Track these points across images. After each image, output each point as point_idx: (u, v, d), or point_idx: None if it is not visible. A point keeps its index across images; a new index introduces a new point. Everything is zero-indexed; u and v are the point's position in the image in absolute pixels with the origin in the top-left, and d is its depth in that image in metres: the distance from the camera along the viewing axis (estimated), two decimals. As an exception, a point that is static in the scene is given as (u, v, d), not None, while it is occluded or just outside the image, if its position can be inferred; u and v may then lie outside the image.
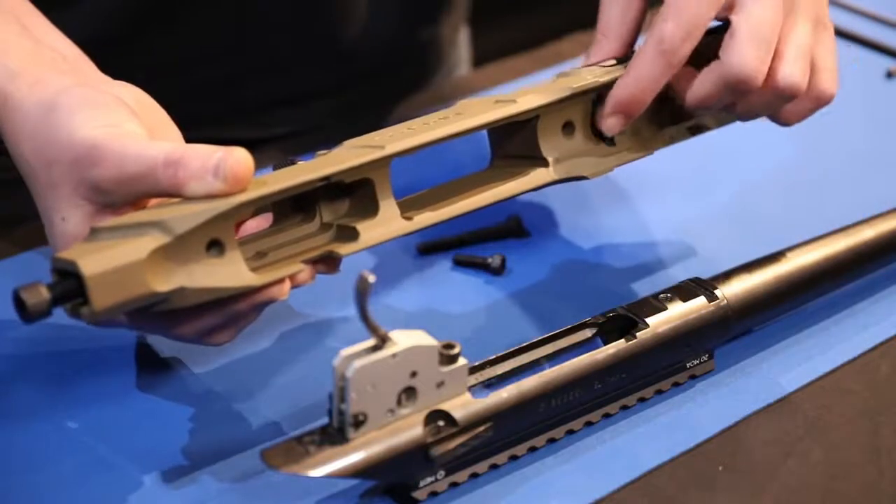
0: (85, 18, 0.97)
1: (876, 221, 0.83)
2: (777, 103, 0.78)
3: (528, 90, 0.76)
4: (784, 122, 0.80)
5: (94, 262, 0.62)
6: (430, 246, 0.86)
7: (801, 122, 0.80)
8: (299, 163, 0.69)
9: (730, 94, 0.75)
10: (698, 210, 0.92)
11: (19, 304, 0.62)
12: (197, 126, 0.97)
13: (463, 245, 0.86)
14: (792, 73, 0.76)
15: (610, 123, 0.76)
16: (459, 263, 0.85)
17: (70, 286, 0.62)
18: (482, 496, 0.68)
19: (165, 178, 0.65)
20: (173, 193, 0.66)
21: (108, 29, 0.98)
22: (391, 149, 0.69)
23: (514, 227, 0.88)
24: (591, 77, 0.77)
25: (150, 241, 0.63)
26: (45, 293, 0.62)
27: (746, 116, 0.79)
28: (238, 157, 0.65)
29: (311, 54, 1.05)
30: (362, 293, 0.62)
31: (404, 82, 1.11)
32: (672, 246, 0.88)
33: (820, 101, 0.79)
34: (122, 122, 0.68)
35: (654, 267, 0.86)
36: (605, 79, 0.76)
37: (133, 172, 0.66)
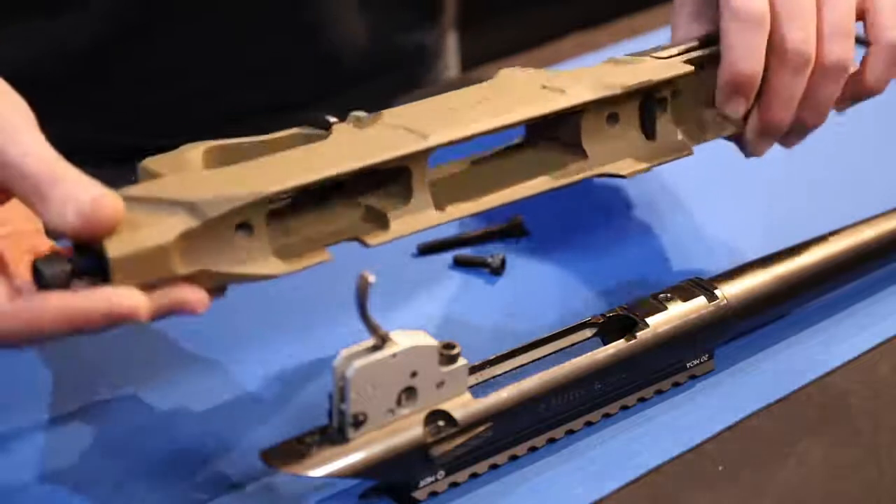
0: (65, 31, 0.98)
1: (876, 221, 0.83)
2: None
3: (576, 74, 0.74)
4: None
5: (119, 242, 0.60)
6: (430, 246, 0.86)
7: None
8: (336, 132, 0.68)
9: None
10: (698, 210, 0.92)
11: (37, 274, 0.60)
12: (178, 134, 0.97)
13: (463, 245, 0.86)
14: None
15: (732, 108, 0.76)
16: (459, 263, 0.85)
17: (91, 262, 0.60)
18: (482, 496, 0.68)
19: (36, 186, 0.60)
20: (28, 203, 0.61)
21: (89, 40, 0.98)
22: (435, 140, 0.67)
23: (514, 227, 0.88)
24: (646, 73, 0.74)
25: (178, 223, 0.61)
26: (65, 266, 0.60)
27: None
28: (103, 200, 0.60)
29: (292, 63, 1.05)
30: (362, 293, 0.62)
31: (388, 89, 1.11)
32: (672, 246, 0.88)
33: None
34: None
35: (654, 267, 0.86)
36: (662, 77, 0.74)
37: (13, 158, 0.60)
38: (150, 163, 0.66)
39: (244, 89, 1.05)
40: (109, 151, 1.00)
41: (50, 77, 0.98)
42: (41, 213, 0.60)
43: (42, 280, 0.60)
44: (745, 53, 0.75)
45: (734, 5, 0.74)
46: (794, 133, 0.80)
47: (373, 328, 0.64)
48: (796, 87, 0.76)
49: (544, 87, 0.73)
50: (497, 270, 0.84)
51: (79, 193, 0.59)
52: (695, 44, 0.78)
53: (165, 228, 0.61)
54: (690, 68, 0.75)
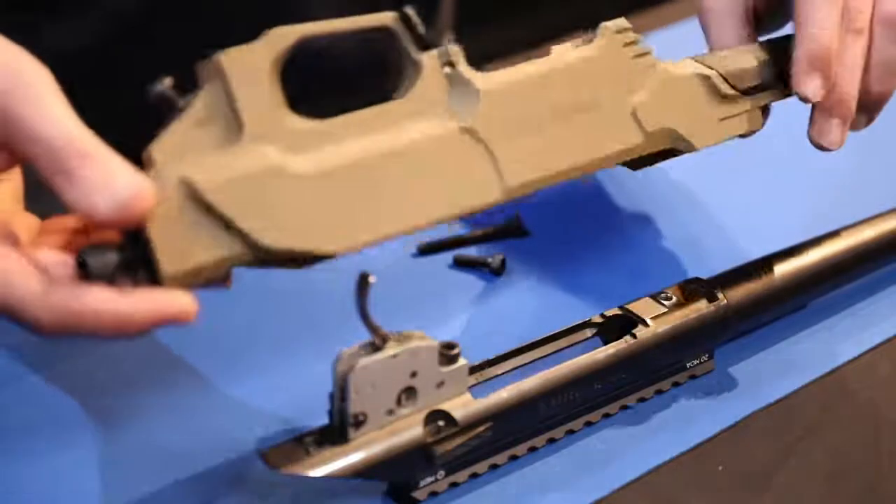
0: (64, 32, 0.97)
1: (876, 221, 0.83)
2: None
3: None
4: None
5: (174, 257, 0.57)
6: (430, 246, 0.86)
7: None
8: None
9: None
10: (699, 210, 0.92)
11: (83, 266, 0.57)
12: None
13: (463, 245, 0.86)
14: None
15: (812, 88, 0.74)
16: (459, 263, 0.85)
17: (139, 255, 0.57)
18: (482, 496, 0.68)
19: (63, 161, 0.56)
20: (50, 180, 0.56)
21: (88, 42, 0.98)
22: (513, 181, 0.66)
23: (514, 227, 0.88)
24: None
25: (235, 251, 0.59)
26: (112, 258, 0.57)
27: None
28: (142, 192, 0.56)
29: (288, 65, 1.05)
30: (362, 293, 0.62)
31: (388, 91, 1.10)
32: (672, 246, 0.88)
33: None
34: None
35: (654, 267, 0.86)
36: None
37: (34, 128, 0.56)
38: (226, 61, 0.60)
39: None
40: None
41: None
42: (64, 194, 0.56)
43: (88, 272, 0.57)
44: (824, 24, 0.73)
45: None
46: (863, 110, 0.78)
47: (373, 328, 0.64)
48: (857, 53, 0.75)
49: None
50: (497, 270, 0.84)
51: (112, 178, 0.55)
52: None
53: (221, 253, 0.59)
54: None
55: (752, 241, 0.83)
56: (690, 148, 0.73)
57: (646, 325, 0.73)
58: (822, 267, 0.80)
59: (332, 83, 1.08)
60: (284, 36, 0.61)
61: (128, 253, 0.58)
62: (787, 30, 0.79)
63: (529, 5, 1.96)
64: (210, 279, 0.59)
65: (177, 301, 0.57)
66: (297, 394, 0.74)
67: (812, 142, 0.77)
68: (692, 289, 0.75)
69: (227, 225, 0.58)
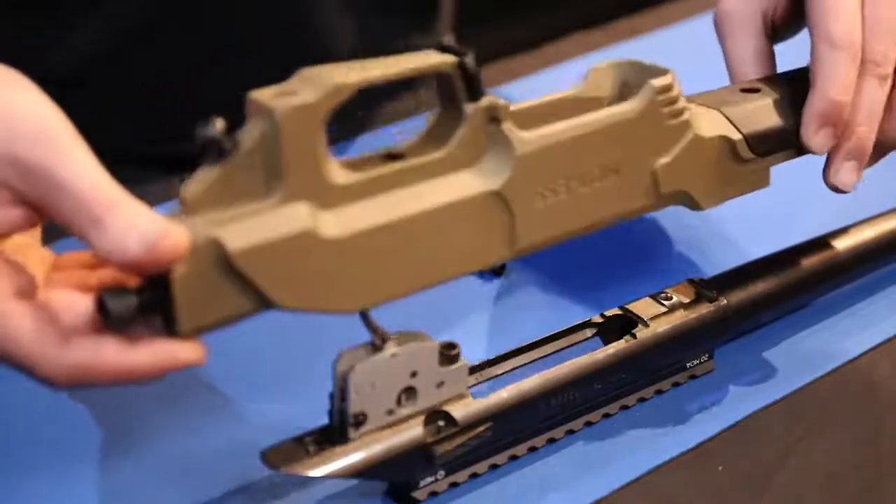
0: (65, 36, 0.97)
1: (876, 221, 0.83)
2: None
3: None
4: None
5: (192, 314, 0.57)
6: (430, 246, 0.86)
7: None
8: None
9: None
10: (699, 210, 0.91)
11: (103, 308, 0.57)
12: (180, 141, 0.96)
13: (463, 245, 0.86)
14: None
15: (818, 141, 0.74)
16: (459, 263, 0.85)
17: (158, 298, 0.57)
18: (482, 496, 0.68)
19: (92, 211, 0.56)
20: (78, 229, 0.57)
21: (89, 47, 0.98)
22: (525, 241, 0.66)
23: (514, 227, 0.88)
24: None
25: (252, 305, 0.59)
26: (132, 300, 0.57)
27: None
28: (170, 234, 0.56)
29: (290, 70, 1.05)
30: (362, 293, 0.62)
31: (388, 93, 1.10)
32: (672, 246, 0.88)
33: None
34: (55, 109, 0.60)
35: (654, 267, 0.86)
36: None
37: (64, 180, 0.56)
38: (283, 116, 0.58)
39: (242, 96, 1.04)
40: (105, 158, 1.00)
41: (48, 82, 0.98)
42: (94, 240, 0.56)
43: (108, 316, 0.57)
44: (842, 82, 0.73)
45: (834, 35, 0.73)
46: (875, 152, 0.77)
47: (373, 328, 0.64)
48: (879, 100, 0.75)
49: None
50: (497, 270, 0.84)
51: (142, 221, 0.56)
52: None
53: (238, 311, 0.58)
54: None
55: (752, 241, 0.83)
56: (696, 207, 0.72)
57: (646, 325, 0.73)
58: (822, 267, 0.80)
59: None
60: (341, 90, 0.59)
61: (146, 296, 0.57)
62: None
63: (529, 5, 1.96)
64: (218, 327, 0.59)
65: (190, 354, 0.58)
66: (297, 394, 0.74)
67: (826, 182, 0.76)
68: (692, 289, 0.75)
69: (250, 286, 0.58)
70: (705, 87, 0.81)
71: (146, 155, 1.02)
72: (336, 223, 0.60)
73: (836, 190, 0.77)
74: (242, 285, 0.58)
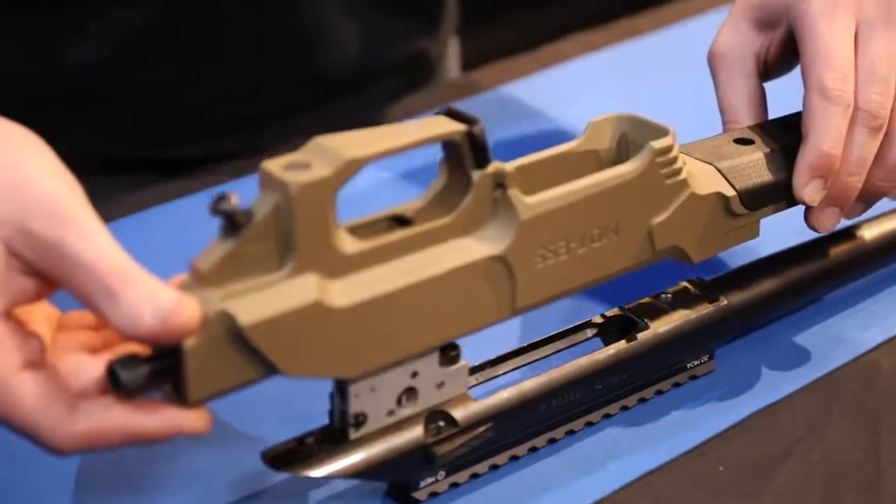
0: (67, 42, 0.97)
1: (876, 221, 0.83)
2: None
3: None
4: None
5: (202, 385, 0.58)
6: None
7: None
8: None
9: None
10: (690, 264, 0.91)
11: (113, 378, 0.57)
12: (178, 145, 0.96)
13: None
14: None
15: (810, 193, 0.74)
16: (460, 264, 0.85)
17: (169, 366, 0.58)
18: (482, 496, 0.68)
19: (106, 284, 0.56)
20: (92, 302, 0.57)
21: (90, 52, 0.98)
22: (524, 302, 0.66)
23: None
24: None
25: (257, 374, 0.60)
26: (142, 370, 0.57)
27: None
28: (182, 305, 0.57)
29: (293, 72, 1.05)
30: (363, 294, 0.62)
31: (389, 95, 1.10)
32: (672, 246, 0.88)
33: None
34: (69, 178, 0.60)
35: (654, 267, 0.85)
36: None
37: (78, 254, 0.57)
38: (298, 193, 0.58)
39: (244, 99, 1.05)
40: (102, 161, 1.00)
41: (50, 88, 0.98)
42: (107, 314, 0.57)
43: (119, 385, 0.57)
44: (834, 136, 0.73)
45: (827, 85, 0.73)
46: (861, 200, 0.77)
47: (373, 329, 0.64)
48: (869, 150, 0.74)
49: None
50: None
51: (156, 294, 0.56)
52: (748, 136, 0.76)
53: (244, 379, 0.59)
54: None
55: (753, 242, 0.83)
56: (688, 261, 0.73)
57: (646, 325, 0.73)
58: (822, 267, 0.80)
59: (347, 90, 1.08)
60: (354, 164, 0.59)
61: (157, 365, 0.58)
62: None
63: (530, 5, 1.96)
64: (224, 395, 0.60)
65: (196, 423, 0.59)
66: (297, 394, 0.74)
67: (806, 222, 0.77)
68: (692, 289, 0.75)
69: (259, 356, 0.59)
70: (705, 87, 0.81)
71: (145, 159, 1.02)
72: (344, 292, 0.60)
73: (814, 229, 0.77)
74: (252, 356, 0.59)
